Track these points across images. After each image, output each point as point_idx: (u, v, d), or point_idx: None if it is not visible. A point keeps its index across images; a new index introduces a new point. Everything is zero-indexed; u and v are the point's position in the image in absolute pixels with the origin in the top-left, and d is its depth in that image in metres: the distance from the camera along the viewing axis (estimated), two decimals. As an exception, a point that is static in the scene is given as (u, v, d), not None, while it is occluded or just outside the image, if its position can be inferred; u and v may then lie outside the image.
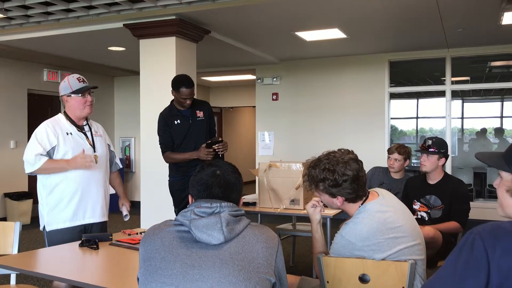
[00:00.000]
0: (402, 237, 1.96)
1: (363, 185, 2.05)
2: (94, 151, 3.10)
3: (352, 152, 2.10)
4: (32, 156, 2.90)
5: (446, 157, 3.41)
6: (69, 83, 3.08)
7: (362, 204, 2.05)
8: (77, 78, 3.09)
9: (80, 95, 3.06)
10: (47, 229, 2.99)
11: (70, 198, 3.00)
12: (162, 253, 1.52)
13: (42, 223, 3.05)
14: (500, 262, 1.09)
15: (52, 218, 2.99)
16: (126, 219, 3.33)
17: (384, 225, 1.96)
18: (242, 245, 1.52)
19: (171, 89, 3.90)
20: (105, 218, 3.20)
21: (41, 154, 2.91)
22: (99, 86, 3.18)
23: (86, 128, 3.17)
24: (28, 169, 2.94)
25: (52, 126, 3.02)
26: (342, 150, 2.11)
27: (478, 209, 6.02)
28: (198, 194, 1.64)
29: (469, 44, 6.84)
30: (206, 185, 1.63)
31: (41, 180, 3.03)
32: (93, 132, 3.18)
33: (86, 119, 3.19)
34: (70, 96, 3.06)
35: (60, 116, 3.12)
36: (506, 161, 1.25)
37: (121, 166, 3.48)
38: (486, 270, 1.09)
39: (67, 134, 3.04)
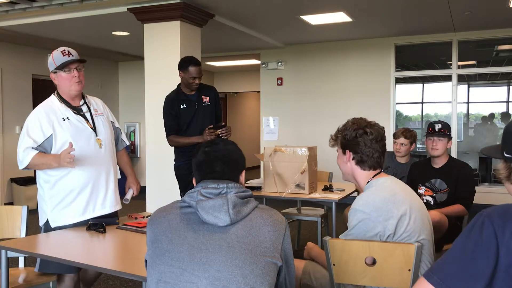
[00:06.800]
0: (409, 213, 1.98)
1: (374, 158, 2.09)
2: (97, 135, 2.78)
3: (382, 128, 2.17)
4: (20, 151, 2.60)
5: (451, 139, 3.42)
6: (53, 58, 2.69)
7: (373, 177, 2.11)
8: (61, 51, 2.69)
9: (65, 70, 2.69)
10: (52, 225, 2.69)
11: (79, 191, 2.71)
12: (169, 236, 1.52)
13: (43, 219, 2.74)
14: (509, 244, 1.08)
15: (58, 213, 2.70)
16: (126, 202, 2.99)
17: (394, 196, 2.00)
18: (249, 228, 1.52)
19: (178, 72, 3.93)
20: (118, 207, 2.92)
21: (32, 148, 2.59)
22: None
23: (85, 108, 2.81)
24: (19, 165, 2.63)
25: (45, 113, 2.68)
26: (374, 122, 2.19)
27: (483, 193, 6.02)
28: (200, 174, 1.65)
29: (476, 28, 6.76)
30: (198, 165, 1.64)
31: (44, 171, 2.70)
32: (93, 112, 2.83)
33: (83, 97, 2.84)
34: (56, 73, 2.71)
35: (53, 99, 2.77)
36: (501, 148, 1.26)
37: (128, 143, 3.14)
38: (495, 252, 1.09)
39: (64, 120, 2.69)
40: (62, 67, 2.68)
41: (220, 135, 3.76)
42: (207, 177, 1.62)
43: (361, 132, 2.08)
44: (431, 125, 3.41)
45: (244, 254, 1.47)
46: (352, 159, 2.12)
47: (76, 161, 2.56)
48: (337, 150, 2.22)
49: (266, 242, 1.51)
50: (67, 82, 2.71)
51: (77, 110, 2.77)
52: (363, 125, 2.10)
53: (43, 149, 2.64)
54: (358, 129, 2.09)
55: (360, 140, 2.08)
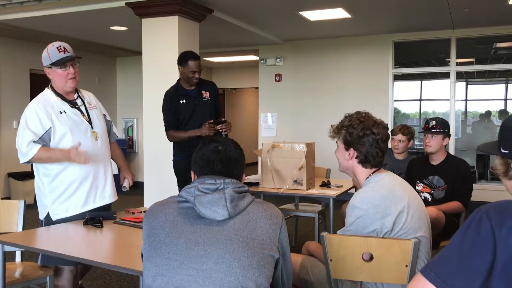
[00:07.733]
0: (407, 210, 1.97)
1: (378, 157, 2.07)
2: (92, 128, 2.82)
3: (387, 126, 2.14)
4: (23, 145, 2.62)
5: (449, 136, 3.41)
6: (48, 53, 2.72)
7: (373, 173, 2.09)
8: (57, 48, 2.70)
9: (60, 67, 2.70)
10: (54, 218, 2.72)
11: (79, 184, 2.76)
12: (166, 229, 1.52)
13: (43, 212, 2.77)
14: (506, 241, 1.08)
15: (59, 206, 2.73)
16: (124, 190, 3.06)
17: (392, 193, 1.98)
18: (246, 222, 1.53)
19: (176, 67, 3.94)
20: (115, 198, 2.98)
21: (34, 141, 2.62)
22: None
23: (79, 101, 2.84)
24: (22, 159, 2.67)
25: (42, 106, 2.70)
26: (380, 120, 2.14)
27: (481, 190, 6.03)
28: (200, 170, 1.65)
29: (475, 25, 6.76)
30: (208, 160, 1.63)
31: (42, 164, 2.74)
32: (87, 105, 2.86)
33: (77, 91, 2.88)
34: (51, 68, 2.73)
35: (48, 93, 2.79)
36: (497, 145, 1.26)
37: (119, 136, 3.20)
38: (492, 249, 1.09)
39: (61, 113, 2.72)
40: (58, 64, 2.71)
41: (220, 130, 3.75)
42: (212, 173, 1.62)
43: (369, 133, 2.03)
44: (426, 121, 3.43)
45: (242, 247, 1.47)
46: (356, 157, 2.09)
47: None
48: (336, 142, 2.18)
49: (263, 235, 1.52)
50: (62, 78, 2.74)
51: (73, 104, 2.81)
52: (371, 125, 2.05)
53: (43, 142, 2.67)
54: (366, 129, 2.04)
55: (366, 140, 2.04)
